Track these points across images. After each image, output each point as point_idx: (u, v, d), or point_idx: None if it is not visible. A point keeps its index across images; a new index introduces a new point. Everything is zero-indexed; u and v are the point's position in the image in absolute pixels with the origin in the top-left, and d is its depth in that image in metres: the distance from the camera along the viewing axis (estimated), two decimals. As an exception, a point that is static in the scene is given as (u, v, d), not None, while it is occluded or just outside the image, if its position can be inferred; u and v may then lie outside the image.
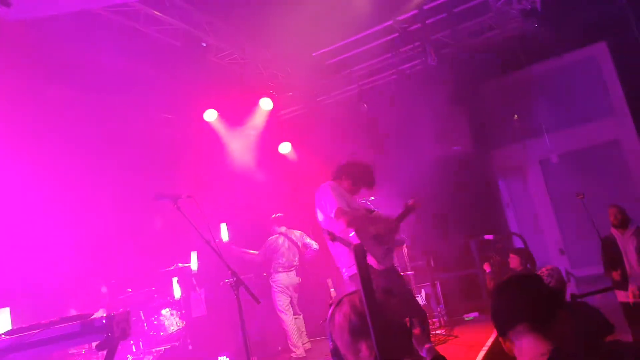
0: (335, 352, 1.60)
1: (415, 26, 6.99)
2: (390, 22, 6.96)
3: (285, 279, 6.29)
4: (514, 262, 6.03)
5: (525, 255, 6.13)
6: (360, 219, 3.66)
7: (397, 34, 7.18)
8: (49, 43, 5.15)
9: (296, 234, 6.63)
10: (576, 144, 7.80)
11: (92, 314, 2.66)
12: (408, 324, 1.61)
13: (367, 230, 3.62)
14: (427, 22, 6.93)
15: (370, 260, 3.55)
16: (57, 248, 5.75)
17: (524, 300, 1.56)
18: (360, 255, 1.47)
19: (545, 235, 8.10)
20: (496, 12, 6.99)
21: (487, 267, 6.42)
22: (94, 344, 2.58)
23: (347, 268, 3.67)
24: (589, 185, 7.32)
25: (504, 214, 8.01)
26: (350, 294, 1.63)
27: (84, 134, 6.48)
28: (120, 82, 6.22)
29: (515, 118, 8.51)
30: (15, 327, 2.55)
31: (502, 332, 1.58)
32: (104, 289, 5.43)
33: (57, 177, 5.95)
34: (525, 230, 8.07)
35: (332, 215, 3.62)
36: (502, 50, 7.26)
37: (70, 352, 4.77)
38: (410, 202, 3.94)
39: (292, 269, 6.40)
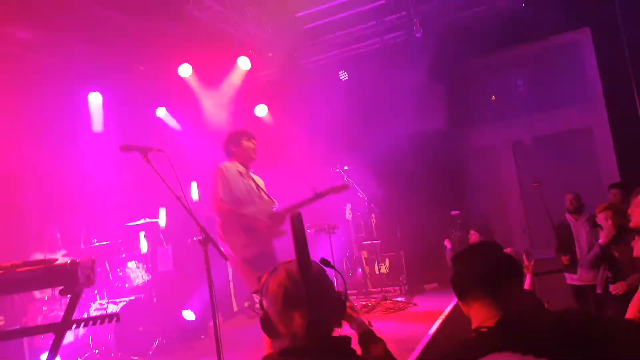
0: (266, 320, 1.56)
1: (404, -6, 6.88)
2: (377, -12, 6.83)
3: None
4: (474, 238, 6.24)
5: (485, 232, 6.35)
6: (234, 213, 3.85)
7: (384, 1, 7.07)
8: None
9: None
10: (550, 129, 7.94)
11: (57, 260, 2.61)
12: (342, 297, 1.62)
13: (236, 221, 3.85)
14: (416, -10, 6.84)
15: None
16: (23, 194, 5.59)
17: (478, 265, 1.64)
18: (297, 222, 1.50)
19: (510, 215, 8.35)
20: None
21: (447, 243, 6.62)
22: (57, 290, 2.55)
23: (242, 249, 3.83)
24: (558, 170, 7.54)
25: (474, 193, 8.16)
26: (287, 262, 1.59)
27: (53, 78, 6.21)
28: (89, 26, 5.93)
29: (492, 99, 8.61)
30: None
31: (460, 296, 1.66)
32: (58, 235, 5.32)
33: (24, 123, 5.72)
34: (491, 209, 8.30)
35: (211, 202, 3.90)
36: (488, 28, 7.23)
37: (35, 297, 4.72)
38: (319, 189, 3.97)
39: None
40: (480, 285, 1.60)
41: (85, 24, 5.86)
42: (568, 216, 5.49)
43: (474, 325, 1.58)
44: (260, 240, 3.90)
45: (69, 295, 2.47)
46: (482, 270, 1.62)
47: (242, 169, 4.08)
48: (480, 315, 1.57)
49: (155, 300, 5.51)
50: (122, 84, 7.09)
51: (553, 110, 7.89)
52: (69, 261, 2.51)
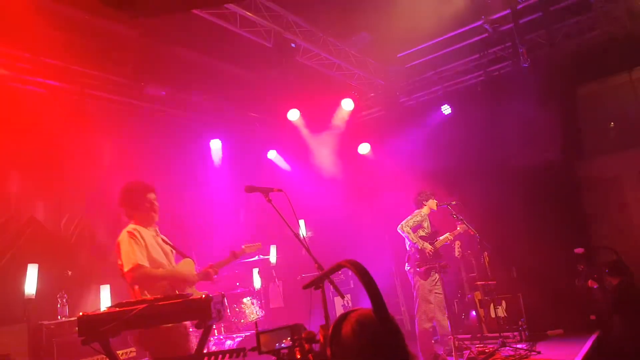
0: None
1: (507, 26, 6.72)
2: (479, 23, 6.74)
3: None
4: (614, 281, 5.72)
5: (620, 271, 5.77)
6: (154, 277, 3.33)
7: (487, 35, 6.95)
8: (146, 40, 5.54)
9: None
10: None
11: (191, 295, 2.85)
12: None
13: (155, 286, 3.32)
14: (520, 21, 6.64)
15: None
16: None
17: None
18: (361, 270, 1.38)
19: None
20: (598, 12, 6.56)
21: (592, 284, 6.08)
22: (192, 323, 2.76)
23: None
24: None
25: (590, 228, 7.41)
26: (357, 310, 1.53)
27: (179, 128, 6.93)
28: (210, 80, 6.58)
29: (611, 126, 7.92)
30: (124, 301, 2.79)
31: None
32: None
33: (154, 167, 6.38)
34: (617, 244, 7.46)
35: (125, 269, 3.26)
36: (603, 53, 6.75)
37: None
38: (238, 249, 3.78)
39: None
40: None
41: (205, 79, 6.53)
42: None
43: None
44: None
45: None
46: None
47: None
48: None
49: (268, 336, 5.67)
50: (237, 131, 7.70)
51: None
52: (203, 296, 2.73)
